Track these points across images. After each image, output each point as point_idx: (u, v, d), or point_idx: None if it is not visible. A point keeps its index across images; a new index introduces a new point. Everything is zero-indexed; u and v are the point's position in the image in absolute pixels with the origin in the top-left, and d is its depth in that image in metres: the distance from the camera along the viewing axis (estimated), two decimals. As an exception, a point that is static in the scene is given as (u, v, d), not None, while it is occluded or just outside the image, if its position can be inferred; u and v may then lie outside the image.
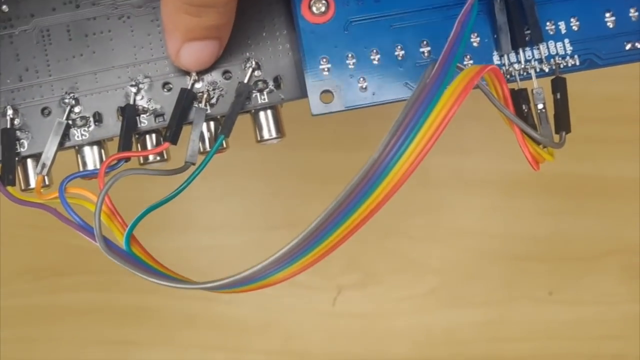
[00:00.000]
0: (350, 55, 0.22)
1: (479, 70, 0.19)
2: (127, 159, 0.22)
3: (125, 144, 0.22)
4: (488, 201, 0.41)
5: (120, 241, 0.20)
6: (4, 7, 0.22)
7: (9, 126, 0.22)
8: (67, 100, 0.22)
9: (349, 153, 0.38)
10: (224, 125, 0.22)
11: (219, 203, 0.41)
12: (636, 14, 0.22)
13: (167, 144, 0.22)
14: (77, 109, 0.22)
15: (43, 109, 0.22)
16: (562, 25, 0.22)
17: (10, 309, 0.40)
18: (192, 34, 0.21)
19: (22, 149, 0.22)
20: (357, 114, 0.22)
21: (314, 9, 0.22)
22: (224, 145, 0.23)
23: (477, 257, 0.41)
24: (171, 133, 0.22)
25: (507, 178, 0.41)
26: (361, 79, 0.22)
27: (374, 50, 0.22)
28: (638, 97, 0.41)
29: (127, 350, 0.40)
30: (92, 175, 0.21)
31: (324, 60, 0.22)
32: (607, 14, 0.22)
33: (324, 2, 0.22)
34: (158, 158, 0.23)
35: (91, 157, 0.23)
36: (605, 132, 0.41)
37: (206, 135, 0.23)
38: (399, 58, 0.22)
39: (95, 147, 0.23)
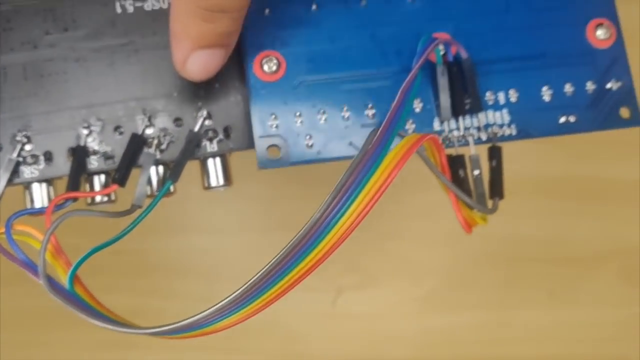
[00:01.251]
0: (298, 113, 0.23)
1: (419, 139, 0.20)
2: (75, 199, 0.22)
3: (73, 184, 0.22)
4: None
5: (64, 280, 0.20)
6: (-37, 42, 0.23)
7: (-42, 160, 0.22)
8: (19, 138, 0.23)
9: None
10: (172, 171, 0.23)
11: (218, 205, 0.41)
12: (571, 89, 0.24)
13: (115, 186, 0.22)
14: (28, 147, 0.23)
15: (-7, 146, 0.23)
16: (501, 96, 0.23)
17: (9, 310, 0.39)
18: (203, 40, 0.21)
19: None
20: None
21: (265, 67, 0.23)
22: (172, 190, 0.23)
23: (476, 259, 0.41)
24: (120, 175, 0.22)
25: (507, 180, 0.41)
26: (308, 137, 0.23)
27: (322, 110, 0.23)
28: (638, 97, 0.41)
29: (127, 352, 0.40)
30: (39, 212, 0.22)
31: (273, 116, 0.23)
32: (545, 88, 0.24)
33: (275, 61, 0.23)
34: (106, 199, 0.23)
35: (39, 195, 0.23)
36: (605, 134, 0.41)
37: (155, 179, 0.23)
38: (345, 118, 0.23)
39: (44, 185, 0.23)
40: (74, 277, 0.20)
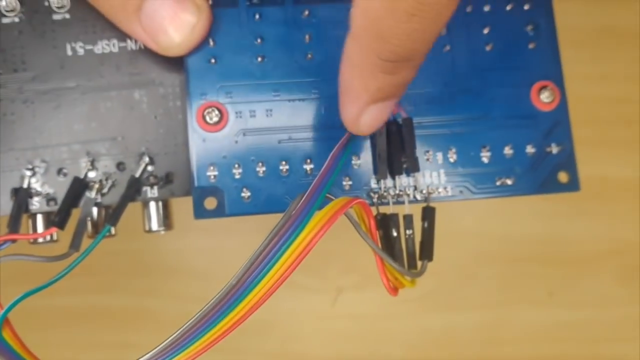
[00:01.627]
0: (237, 164, 0.23)
1: (346, 203, 0.20)
2: (14, 241, 0.23)
3: (14, 225, 0.23)
4: (486, 203, 0.41)
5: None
6: None
7: None
8: (-37, 177, 0.23)
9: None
10: (111, 215, 0.23)
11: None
12: (511, 151, 0.24)
13: (54, 229, 0.23)
14: (-29, 186, 0.23)
15: (-60, 183, 0.23)
16: (439, 156, 0.24)
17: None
18: (381, 94, 0.20)
19: None
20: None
21: (207, 118, 0.23)
22: (112, 232, 0.24)
23: (475, 259, 0.41)
24: (59, 218, 0.23)
25: None
26: (244, 189, 0.23)
27: (260, 163, 0.23)
28: (638, 97, 0.41)
29: (126, 353, 0.40)
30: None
31: (212, 167, 0.23)
32: (484, 150, 0.24)
33: (217, 112, 0.23)
34: (48, 239, 0.24)
35: (-17, 232, 0.23)
36: (604, 133, 0.42)
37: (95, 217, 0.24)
38: (283, 173, 0.23)
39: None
40: (3, 322, 0.21)
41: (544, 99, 0.24)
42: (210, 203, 0.23)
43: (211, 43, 0.23)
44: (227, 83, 0.23)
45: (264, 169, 0.23)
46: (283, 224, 0.19)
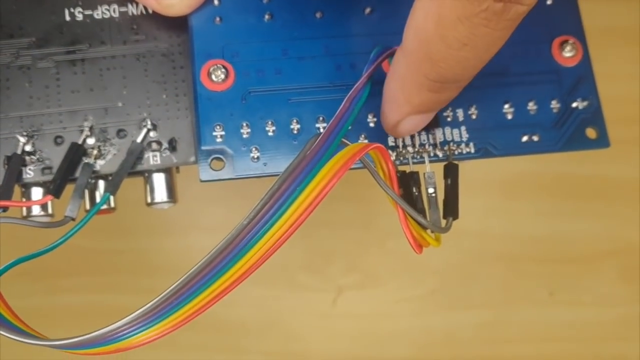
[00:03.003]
0: (245, 124, 0.22)
1: (363, 148, 0.18)
2: (6, 208, 0.21)
3: (6, 193, 0.21)
4: (488, 202, 0.41)
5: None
6: None
7: None
8: (-47, 145, 0.22)
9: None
10: (111, 183, 0.22)
11: (218, 205, 0.41)
12: (535, 107, 0.23)
13: (49, 197, 0.21)
14: (-37, 155, 0.22)
15: None
16: (460, 113, 0.22)
17: None
18: (422, 108, 0.20)
19: None
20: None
21: (213, 76, 0.22)
22: (112, 204, 0.22)
23: (476, 259, 0.41)
24: (55, 186, 0.21)
25: (507, 179, 0.41)
26: (254, 149, 0.21)
27: (270, 122, 0.22)
28: (638, 97, 0.41)
29: (126, 352, 0.39)
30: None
31: (219, 127, 0.22)
32: (506, 105, 0.23)
33: (223, 70, 0.22)
34: (42, 212, 0.22)
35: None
36: None
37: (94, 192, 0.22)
38: (294, 132, 0.22)
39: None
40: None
41: (566, 53, 0.23)
42: (217, 164, 0.21)
43: (216, 2, 0.22)
44: (234, 41, 0.22)
45: (273, 128, 0.22)
46: (297, 164, 0.17)
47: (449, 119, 0.22)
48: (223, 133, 0.22)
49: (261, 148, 0.22)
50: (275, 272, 0.41)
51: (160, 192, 0.23)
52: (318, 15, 0.23)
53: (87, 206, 0.22)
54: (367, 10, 0.23)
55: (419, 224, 0.20)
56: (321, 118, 0.22)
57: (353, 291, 0.41)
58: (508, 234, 0.41)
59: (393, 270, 0.41)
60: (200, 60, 0.22)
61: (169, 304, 0.17)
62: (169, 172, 0.23)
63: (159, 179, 0.23)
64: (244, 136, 0.22)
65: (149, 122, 0.22)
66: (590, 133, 0.23)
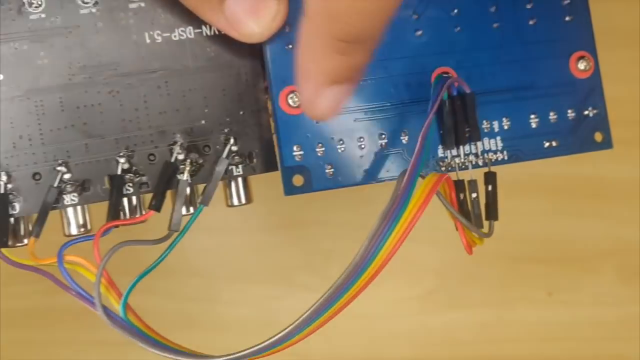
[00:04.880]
0: (319, 144, 0.25)
1: (438, 179, 0.22)
2: (116, 226, 0.24)
3: (114, 213, 0.24)
4: None
5: (117, 308, 0.23)
6: (1, 76, 0.24)
7: (2, 191, 0.24)
8: (58, 168, 0.24)
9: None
10: (204, 197, 0.25)
11: (218, 205, 0.41)
12: (555, 116, 0.27)
13: (151, 212, 0.24)
14: (67, 176, 0.24)
15: (34, 174, 0.24)
16: (495, 125, 0.26)
17: (9, 310, 0.40)
18: (336, 75, 0.20)
19: (13, 212, 0.24)
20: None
21: (290, 101, 0.25)
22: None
23: (475, 259, 0.38)
24: (157, 202, 0.24)
25: (506, 179, 0.38)
26: (328, 166, 0.25)
27: (340, 141, 0.25)
28: (638, 98, 0.41)
29: (126, 352, 0.39)
30: (85, 241, 0.24)
31: (297, 147, 0.25)
32: (532, 116, 0.27)
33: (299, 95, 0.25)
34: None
35: (75, 220, 0.25)
36: None
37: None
38: (361, 147, 0.25)
39: (80, 210, 0.25)
40: (126, 305, 0.23)
41: (581, 67, 0.27)
42: (298, 180, 0.25)
43: (287, 29, 0.25)
44: (305, 66, 0.25)
45: (343, 146, 0.25)
46: (391, 205, 0.21)
47: (486, 130, 0.26)
48: (302, 152, 0.25)
49: (334, 164, 0.25)
50: (275, 272, 0.41)
51: (240, 196, 0.26)
52: (375, 38, 0.26)
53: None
54: (418, 33, 0.26)
55: (471, 231, 0.25)
56: (383, 136, 0.25)
57: None
58: (507, 234, 0.38)
59: (392, 270, 0.39)
60: (278, 87, 0.25)
61: (325, 305, 0.21)
62: (246, 178, 0.26)
63: (239, 186, 0.26)
64: (319, 154, 0.25)
65: (230, 138, 0.25)
66: (598, 137, 0.27)
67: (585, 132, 0.27)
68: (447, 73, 0.26)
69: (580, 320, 0.42)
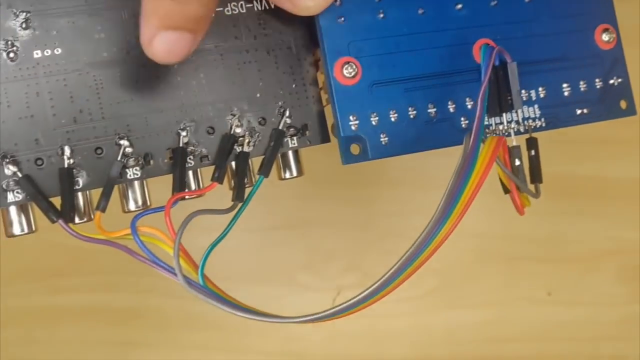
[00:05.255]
0: (373, 113, 0.26)
1: (499, 140, 0.24)
2: (183, 198, 0.24)
3: (180, 184, 0.24)
4: (487, 202, 0.39)
5: (195, 277, 0.23)
6: (58, 49, 0.24)
7: (66, 165, 0.23)
8: (120, 141, 0.24)
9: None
10: (264, 168, 0.25)
11: (218, 205, 0.41)
12: (584, 86, 0.28)
13: (215, 184, 0.25)
14: (129, 150, 0.24)
15: (96, 149, 0.24)
16: (533, 93, 0.28)
17: (10, 310, 0.39)
18: (170, 21, 0.21)
19: (76, 187, 0.24)
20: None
21: (345, 72, 0.25)
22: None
23: (476, 258, 0.41)
24: (219, 174, 0.25)
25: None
26: (382, 134, 0.26)
27: (392, 110, 0.26)
28: (638, 97, 0.41)
29: (127, 351, 0.40)
30: (155, 212, 0.24)
31: (353, 117, 0.25)
32: (565, 85, 0.28)
33: (353, 66, 0.25)
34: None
35: (139, 194, 0.25)
36: (604, 133, 0.41)
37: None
38: (411, 117, 0.26)
39: (142, 184, 0.25)
40: (203, 274, 0.23)
41: (605, 39, 0.29)
42: (355, 149, 0.26)
43: (338, 2, 0.25)
44: (356, 39, 0.26)
45: (396, 115, 0.26)
46: (463, 161, 0.22)
47: (525, 99, 0.28)
48: (357, 122, 0.25)
49: (388, 133, 0.26)
50: (275, 272, 0.41)
51: (293, 169, 0.27)
52: (420, 11, 0.27)
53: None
54: (458, 6, 0.27)
55: (522, 192, 0.26)
56: (431, 105, 0.26)
57: (353, 291, 0.38)
58: (507, 234, 0.42)
59: None
60: (332, 58, 0.25)
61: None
62: (297, 151, 0.27)
63: (291, 159, 0.26)
64: (373, 124, 0.26)
65: (285, 111, 0.26)
66: (623, 104, 0.29)
67: (612, 100, 0.29)
68: (487, 44, 0.27)
69: (580, 319, 0.42)
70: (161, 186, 0.25)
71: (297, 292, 0.42)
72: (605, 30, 0.29)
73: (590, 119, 0.29)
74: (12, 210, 0.23)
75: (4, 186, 0.23)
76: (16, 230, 0.24)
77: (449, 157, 0.43)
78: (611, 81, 0.29)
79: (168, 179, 0.24)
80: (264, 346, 0.41)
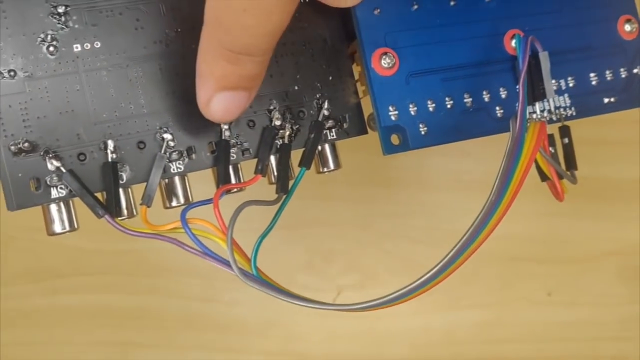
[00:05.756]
0: (412, 103, 0.26)
1: (542, 125, 0.24)
2: (229, 191, 0.24)
3: (225, 177, 0.24)
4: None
5: (248, 268, 0.22)
6: (97, 43, 0.23)
7: (110, 159, 0.23)
8: (164, 135, 0.24)
9: (348, 156, 0.39)
10: (305, 160, 0.25)
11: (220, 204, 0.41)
12: (610, 75, 0.29)
13: (259, 177, 0.24)
14: (172, 143, 0.24)
15: (139, 143, 0.24)
16: (562, 83, 0.28)
17: (9, 310, 0.39)
18: (226, 82, 0.21)
19: (121, 181, 0.23)
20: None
21: (383, 63, 0.25)
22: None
23: (475, 259, 0.38)
24: (262, 167, 0.24)
25: None
26: (422, 124, 0.26)
27: (430, 100, 0.26)
28: None
29: (127, 352, 0.40)
30: (202, 205, 0.23)
31: (392, 107, 0.25)
32: (592, 74, 0.28)
33: (391, 57, 0.25)
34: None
35: (181, 188, 0.24)
36: (604, 134, 0.42)
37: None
38: (448, 107, 0.26)
39: (183, 179, 0.24)
40: (256, 265, 0.22)
41: (628, 29, 0.29)
42: (396, 139, 0.26)
43: (374, -6, 0.26)
44: (393, 30, 0.26)
45: (433, 105, 0.26)
46: (513, 143, 0.23)
47: (555, 88, 0.28)
48: (396, 112, 0.25)
49: (427, 123, 0.26)
50: (275, 272, 0.39)
51: (331, 162, 0.26)
52: (452, 3, 0.27)
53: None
54: (489, -2, 0.27)
55: (561, 177, 0.26)
56: (467, 95, 0.27)
57: (352, 291, 0.41)
58: (506, 234, 0.39)
59: (392, 270, 0.42)
60: (370, 49, 0.25)
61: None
62: (334, 143, 0.27)
63: (327, 151, 0.26)
64: (412, 114, 0.26)
65: (324, 103, 0.26)
66: (646, 93, 0.30)
67: (637, 89, 0.29)
68: (519, 34, 0.27)
69: (579, 320, 0.42)
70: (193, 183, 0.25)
71: (298, 292, 0.41)
72: (628, 20, 0.29)
73: (617, 107, 0.29)
74: (53, 207, 0.23)
75: (47, 182, 0.22)
76: (57, 228, 0.23)
77: (448, 157, 0.43)
78: (635, 70, 0.29)
79: (197, 176, 0.24)
80: (264, 346, 0.41)
